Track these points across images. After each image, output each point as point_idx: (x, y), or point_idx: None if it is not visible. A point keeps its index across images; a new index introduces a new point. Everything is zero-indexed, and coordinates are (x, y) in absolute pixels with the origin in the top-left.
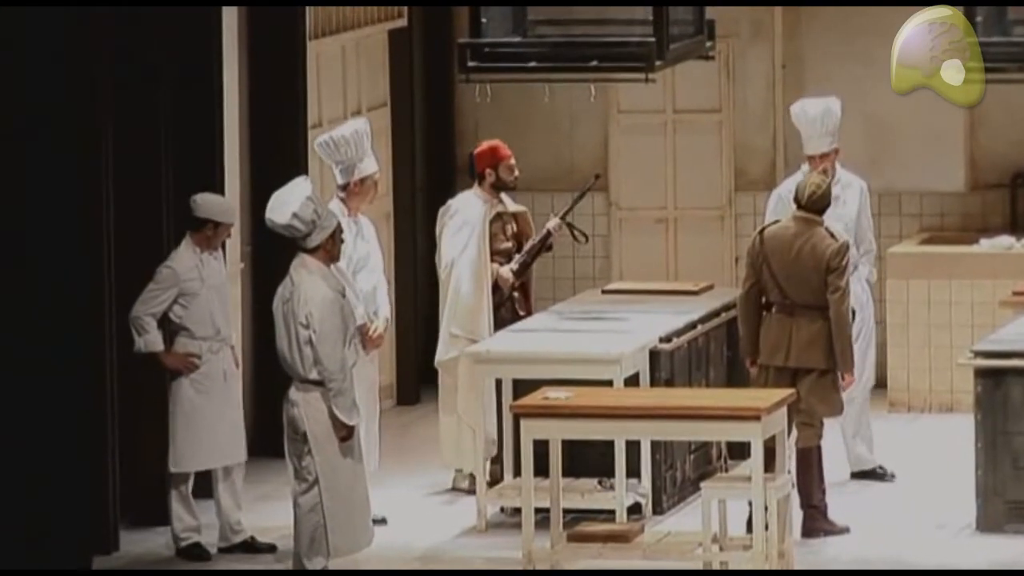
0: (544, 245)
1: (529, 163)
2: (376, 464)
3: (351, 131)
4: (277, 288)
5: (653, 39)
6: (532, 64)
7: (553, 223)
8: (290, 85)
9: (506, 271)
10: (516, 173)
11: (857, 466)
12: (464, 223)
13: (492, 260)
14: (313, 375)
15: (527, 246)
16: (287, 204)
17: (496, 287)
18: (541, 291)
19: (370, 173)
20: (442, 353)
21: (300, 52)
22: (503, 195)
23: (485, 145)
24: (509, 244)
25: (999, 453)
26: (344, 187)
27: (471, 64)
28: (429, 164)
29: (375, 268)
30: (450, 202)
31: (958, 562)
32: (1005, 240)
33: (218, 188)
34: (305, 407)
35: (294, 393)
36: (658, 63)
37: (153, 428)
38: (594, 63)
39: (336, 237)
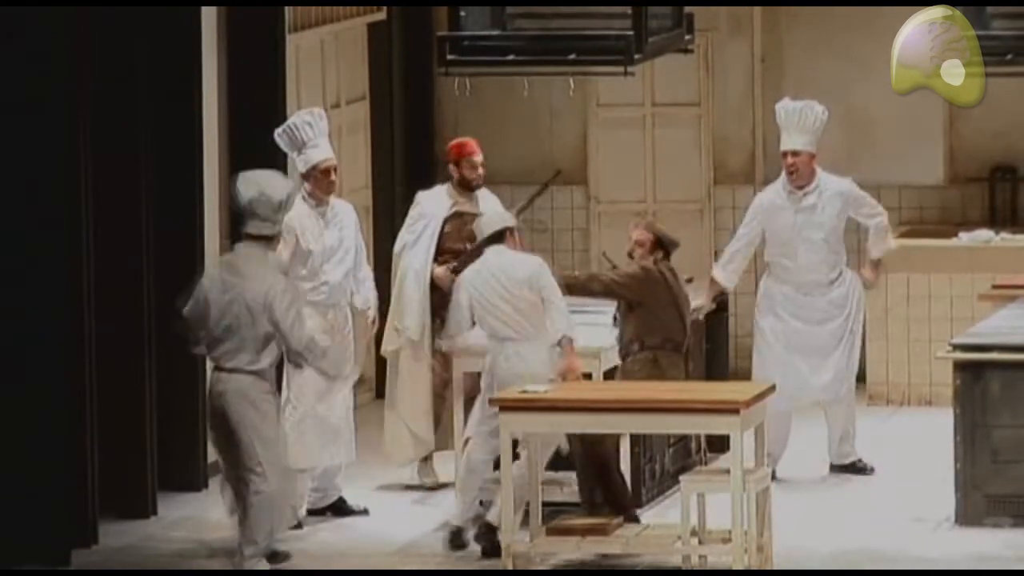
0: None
1: (508, 156)
2: (353, 455)
3: (306, 117)
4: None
5: (632, 33)
6: (511, 57)
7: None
8: (269, 78)
9: (442, 270)
10: (480, 171)
11: (837, 460)
12: (421, 216)
13: (439, 258)
14: (259, 363)
15: (473, 247)
16: (282, 187)
17: (435, 286)
18: None
19: (321, 160)
20: (386, 343)
21: (279, 45)
22: (475, 194)
23: (455, 140)
24: (462, 244)
25: (978, 446)
26: (307, 176)
27: (450, 57)
28: (408, 157)
29: (346, 256)
30: (418, 194)
31: (937, 556)
32: (984, 234)
33: (197, 182)
34: (235, 396)
35: (220, 384)
36: (637, 57)
37: (132, 422)
38: (573, 57)
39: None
